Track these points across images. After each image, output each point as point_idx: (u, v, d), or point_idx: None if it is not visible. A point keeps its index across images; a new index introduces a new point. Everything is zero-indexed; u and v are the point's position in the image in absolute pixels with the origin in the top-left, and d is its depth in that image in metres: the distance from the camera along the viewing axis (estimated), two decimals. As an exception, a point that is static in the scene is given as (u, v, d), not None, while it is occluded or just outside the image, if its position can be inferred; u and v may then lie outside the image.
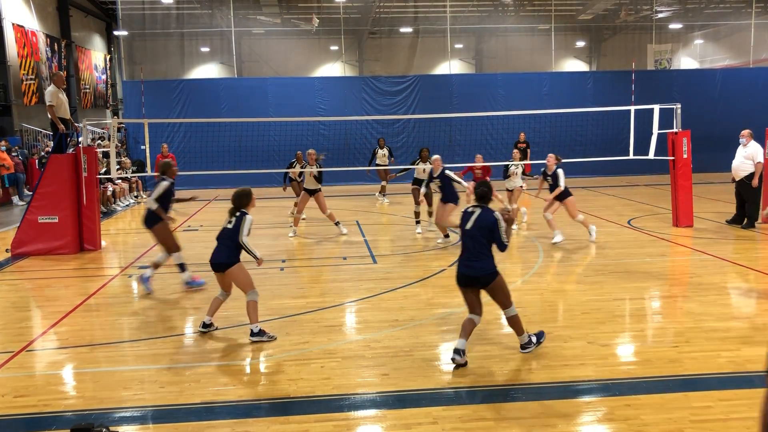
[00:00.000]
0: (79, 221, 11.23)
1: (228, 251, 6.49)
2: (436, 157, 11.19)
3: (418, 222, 12.36)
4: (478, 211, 5.78)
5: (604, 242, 11.05)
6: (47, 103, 11.34)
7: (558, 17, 27.74)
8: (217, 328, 6.73)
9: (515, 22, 30.29)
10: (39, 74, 23.64)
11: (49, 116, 11.45)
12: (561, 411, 4.73)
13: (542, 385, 5.19)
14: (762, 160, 11.87)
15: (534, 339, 5.94)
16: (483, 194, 5.87)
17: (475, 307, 5.78)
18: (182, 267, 8.62)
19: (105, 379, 5.51)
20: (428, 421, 4.60)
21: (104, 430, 2.03)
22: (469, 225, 5.74)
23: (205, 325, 6.65)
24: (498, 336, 6.42)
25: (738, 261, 9.34)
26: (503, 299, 5.77)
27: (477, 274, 5.66)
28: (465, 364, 5.53)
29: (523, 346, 5.87)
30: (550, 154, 11.08)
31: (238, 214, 6.54)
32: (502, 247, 5.68)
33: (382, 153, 17.73)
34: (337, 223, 12.32)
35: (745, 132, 12.15)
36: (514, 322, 5.85)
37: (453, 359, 5.55)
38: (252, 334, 6.36)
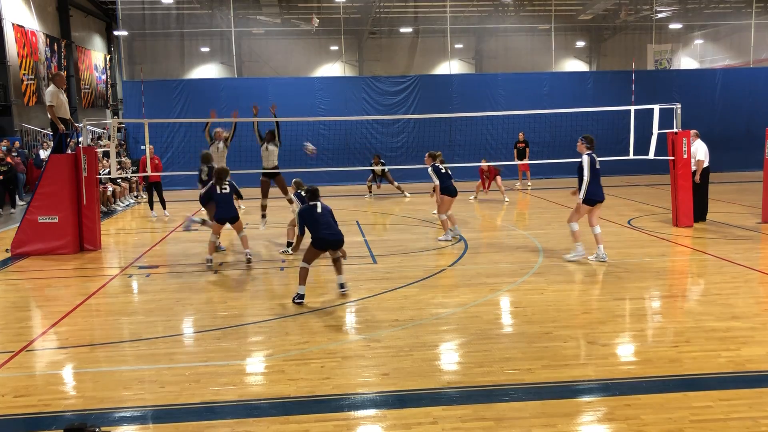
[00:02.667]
0: (79, 221, 11.23)
1: (234, 207, 9.89)
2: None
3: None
4: (319, 203, 7.95)
5: (605, 242, 11.03)
6: (47, 104, 11.34)
7: (558, 17, 27.74)
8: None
9: (515, 22, 30.28)
10: (37, 74, 23.62)
11: (49, 116, 11.45)
12: (561, 411, 4.73)
13: (542, 385, 5.19)
14: (702, 158, 12.47)
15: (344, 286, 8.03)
16: (315, 192, 8.04)
17: (314, 261, 7.93)
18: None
19: (105, 379, 5.51)
20: (428, 421, 4.60)
21: (97, 429, 2.03)
22: (319, 210, 7.88)
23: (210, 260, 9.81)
24: (498, 336, 6.42)
25: (738, 261, 9.33)
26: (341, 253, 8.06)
27: (341, 238, 7.90)
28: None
29: (342, 285, 8.02)
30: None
31: (227, 183, 9.84)
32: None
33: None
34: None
35: (691, 132, 12.64)
36: (340, 264, 8.08)
37: (298, 303, 7.62)
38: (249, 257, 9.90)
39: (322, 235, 7.76)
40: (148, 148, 13.88)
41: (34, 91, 23.15)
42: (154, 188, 15.63)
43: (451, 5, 26.98)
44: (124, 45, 26.69)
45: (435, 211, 12.01)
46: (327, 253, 8.09)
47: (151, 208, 15.72)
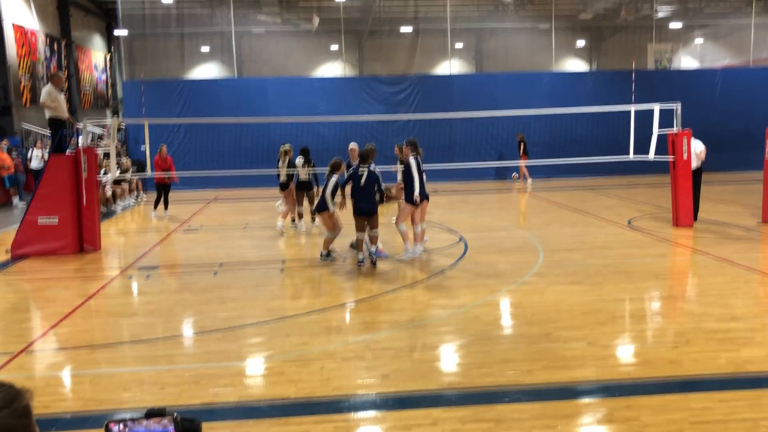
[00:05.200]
0: (79, 222, 11.23)
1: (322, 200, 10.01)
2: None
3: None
4: (366, 171, 9.30)
5: (604, 242, 11.05)
6: (41, 100, 11.30)
7: (558, 17, 27.72)
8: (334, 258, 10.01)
9: (515, 22, 30.27)
10: (34, 74, 23.60)
11: (47, 116, 11.43)
12: (561, 412, 4.72)
13: (542, 386, 5.18)
14: (700, 151, 12.50)
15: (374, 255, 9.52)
16: (364, 157, 9.50)
17: (364, 227, 9.44)
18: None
19: (105, 381, 5.51)
20: (428, 423, 4.60)
21: (175, 414, 2.09)
22: (362, 182, 9.27)
23: (327, 255, 9.92)
24: (498, 337, 6.42)
25: (738, 261, 9.33)
26: (376, 223, 9.55)
27: (372, 209, 9.39)
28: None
29: (371, 254, 9.46)
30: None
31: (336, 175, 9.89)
32: (380, 190, 9.46)
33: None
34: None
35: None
36: (375, 238, 9.60)
37: (360, 266, 9.32)
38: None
39: (358, 203, 9.36)
40: (148, 147, 13.86)
41: (29, 91, 23.12)
42: (163, 189, 15.52)
43: (451, 5, 26.96)
44: (124, 45, 26.68)
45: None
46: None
47: (155, 208, 15.61)
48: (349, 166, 10.89)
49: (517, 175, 21.20)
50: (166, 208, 15.57)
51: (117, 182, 17.51)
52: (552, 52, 26.64)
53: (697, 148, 12.41)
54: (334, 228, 9.98)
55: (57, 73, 13.01)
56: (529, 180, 21.17)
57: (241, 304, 7.81)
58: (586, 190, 19.07)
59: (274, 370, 5.69)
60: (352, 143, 11.79)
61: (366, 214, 9.37)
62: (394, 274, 9.12)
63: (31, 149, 19.45)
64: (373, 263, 9.45)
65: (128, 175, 18.62)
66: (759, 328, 6.43)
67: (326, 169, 10.80)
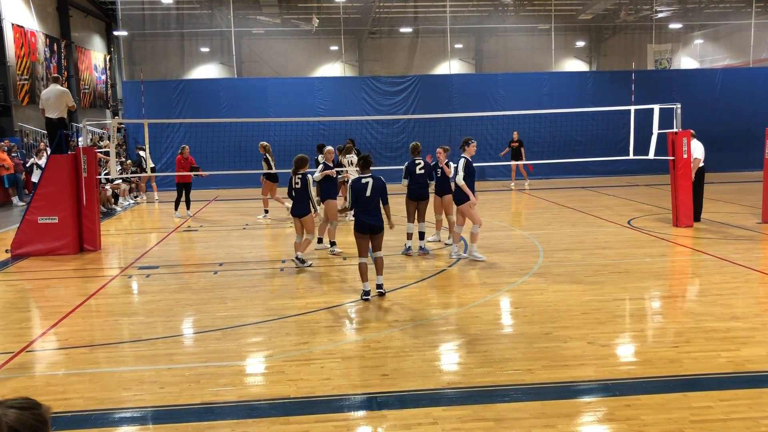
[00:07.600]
0: (79, 222, 11.23)
1: (304, 204, 9.30)
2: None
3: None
4: (371, 180, 7.88)
5: (604, 242, 11.05)
6: (70, 105, 11.43)
7: (558, 17, 27.72)
8: (311, 264, 9.68)
9: (515, 22, 30.28)
10: (34, 74, 23.57)
11: (55, 116, 11.45)
12: (561, 411, 4.72)
13: (542, 386, 5.19)
14: (699, 156, 12.45)
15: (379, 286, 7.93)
16: (367, 162, 8.11)
17: (367, 251, 7.91)
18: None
19: (105, 380, 5.51)
20: (428, 422, 4.60)
21: None
22: (368, 193, 7.82)
23: (299, 260, 9.53)
24: (498, 336, 6.42)
25: (738, 261, 9.33)
26: (380, 244, 7.95)
27: (379, 224, 7.84)
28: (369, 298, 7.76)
29: (379, 286, 7.90)
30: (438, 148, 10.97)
31: (300, 175, 9.22)
32: (386, 202, 8.00)
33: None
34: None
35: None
36: (380, 262, 7.95)
37: (365, 299, 7.69)
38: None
39: (362, 217, 7.87)
40: (148, 147, 13.86)
41: (27, 91, 23.09)
42: (183, 188, 15.43)
43: (451, 5, 26.97)
44: (124, 45, 26.68)
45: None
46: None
47: (176, 208, 15.58)
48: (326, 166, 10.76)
49: (521, 181, 21.17)
50: (188, 207, 15.53)
51: (125, 181, 17.49)
52: (552, 52, 26.64)
53: (695, 152, 12.38)
54: (314, 230, 9.93)
55: (58, 75, 13.11)
56: (527, 182, 21.20)
57: (241, 304, 7.81)
58: (586, 190, 19.06)
59: (274, 369, 5.69)
60: (329, 146, 11.61)
61: (372, 231, 7.82)
62: (394, 274, 9.11)
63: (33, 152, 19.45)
64: (381, 294, 7.95)
65: (128, 175, 18.61)
66: (759, 328, 6.43)
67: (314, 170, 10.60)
